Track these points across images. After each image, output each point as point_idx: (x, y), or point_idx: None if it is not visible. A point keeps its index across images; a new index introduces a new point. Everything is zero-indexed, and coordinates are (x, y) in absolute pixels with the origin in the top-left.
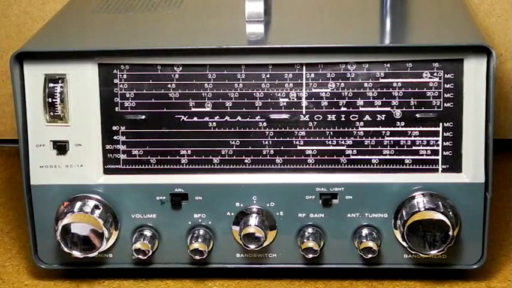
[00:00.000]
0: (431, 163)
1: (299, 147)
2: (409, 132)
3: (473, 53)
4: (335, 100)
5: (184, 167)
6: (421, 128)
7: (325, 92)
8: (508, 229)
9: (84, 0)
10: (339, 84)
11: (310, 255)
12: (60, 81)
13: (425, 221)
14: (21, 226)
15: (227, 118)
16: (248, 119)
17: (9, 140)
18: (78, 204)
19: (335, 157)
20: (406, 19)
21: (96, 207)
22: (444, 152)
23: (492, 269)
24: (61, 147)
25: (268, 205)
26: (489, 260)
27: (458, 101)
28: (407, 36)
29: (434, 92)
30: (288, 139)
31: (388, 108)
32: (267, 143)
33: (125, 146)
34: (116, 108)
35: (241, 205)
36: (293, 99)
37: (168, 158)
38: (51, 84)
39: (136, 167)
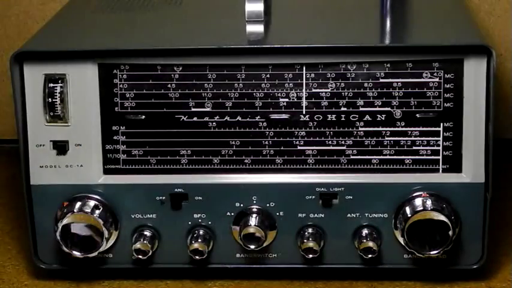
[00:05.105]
0: (432, 163)
1: (299, 147)
2: (409, 132)
3: (473, 53)
4: (335, 100)
5: (184, 167)
6: (421, 128)
7: (325, 92)
8: (508, 229)
9: (84, 0)
10: (339, 84)
11: (310, 255)
12: (60, 81)
13: (426, 221)
14: (21, 226)
15: (227, 118)
16: (248, 119)
17: (9, 140)
18: (78, 204)
19: (335, 157)
20: (406, 19)
21: (96, 207)
22: (444, 152)
23: (492, 269)
24: (61, 147)
25: (268, 205)
26: (489, 260)
27: (458, 101)
28: (407, 36)
29: (434, 92)
30: (288, 139)
31: (388, 108)
32: (267, 143)
33: (124, 146)
34: (116, 108)
35: (241, 205)
36: (293, 99)
37: (168, 158)
38: (51, 84)
39: (136, 167)
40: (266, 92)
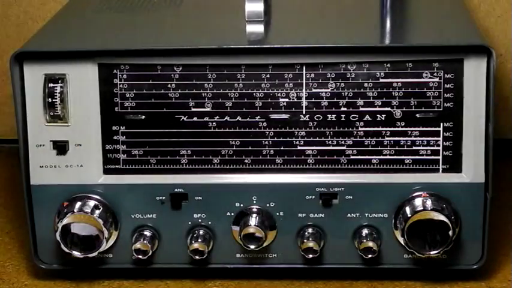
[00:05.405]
0: (432, 163)
1: (299, 147)
2: (409, 132)
3: (473, 53)
4: (335, 100)
5: (184, 167)
6: (421, 128)
7: (325, 92)
8: (508, 229)
9: (84, 0)
10: (339, 84)
11: (310, 255)
12: (60, 81)
13: (426, 221)
14: (21, 226)
15: (227, 118)
16: (248, 119)
17: (9, 140)
18: (78, 204)
19: (335, 157)
20: (406, 19)
21: (96, 207)
22: (444, 152)
23: (492, 269)
24: (61, 147)
25: (268, 205)
26: (489, 260)
27: (458, 101)
28: (407, 36)
29: (434, 92)
30: (288, 139)
31: (388, 108)
32: (267, 143)
33: (124, 146)
34: (116, 108)
35: (241, 205)
36: (293, 99)
37: (168, 158)
38: (51, 84)
39: (136, 167)
40: (266, 92)
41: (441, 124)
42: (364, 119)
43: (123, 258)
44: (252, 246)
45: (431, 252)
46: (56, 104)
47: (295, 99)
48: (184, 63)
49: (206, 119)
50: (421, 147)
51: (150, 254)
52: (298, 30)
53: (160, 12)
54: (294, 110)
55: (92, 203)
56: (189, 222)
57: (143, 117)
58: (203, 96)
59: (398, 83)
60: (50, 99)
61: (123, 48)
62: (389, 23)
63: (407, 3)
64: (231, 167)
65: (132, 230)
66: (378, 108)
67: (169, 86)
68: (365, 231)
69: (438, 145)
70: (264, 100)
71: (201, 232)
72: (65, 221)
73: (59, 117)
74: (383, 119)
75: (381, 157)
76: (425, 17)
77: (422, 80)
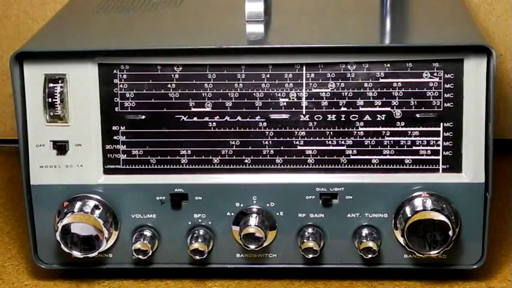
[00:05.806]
0: (432, 163)
1: (299, 147)
2: (409, 132)
3: (473, 53)
4: (335, 100)
5: (184, 167)
6: (421, 128)
7: (325, 92)
8: (508, 229)
9: (84, 0)
10: (339, 84)
11: (310, 255)
12: (60, 81)
13: (426, 221)
14: (21, 226)
15: (227, 118)
16: (248, 119)
17: (9, 140)
18: (78, 204)
19: (335, 157)
20: (406, 19)
21: (96, 207)
22: (444, 152)
23: (492, 269)
24: (61, 147)
25: (268, 205)
26: (489, 260)
27: (458, 101)
28: (407, 36)
29: (434, 92)
30: (288, 139)
31: (388, 108)
32: (267, 143)
33: (124, 146)
34: (116, 108)
35: (241, 205)
36: (293, 99)
37: (168, 158)
38: (51, 84)
39: (136, 167)
40: (266, 92)
41: (441, 124)
42: (364, 119)
43: (123, 258)
44: (252, 246)
45: (431, 252)
46: (56, 104)
47: (295, 99)
48: (184, 63)
49: (206, 119)
50: (421, 147)
51: (150, 254)
52: (298, 30)
53: (160, 12)
54: (294, 110)
55: (92, 203)
56: (189, 222)
57: (143, 117)
58: (203, 96)
59: (398, 83)
60: (50, 99)
61: (123, 48)
62: (389, 23)
63: (407, 3)
64: (231, 167)
65: (132, 230)
66: (377, 108)
67: (169, 86)
68: (365, 231)
69: (438, 145)
70: (264, 100)
71: (201, 232)
72: (65, 221)
73: (59, 117)
74: (383, 119)
75: (381, 157)
76: (425, 17)
77: (422, 80)
